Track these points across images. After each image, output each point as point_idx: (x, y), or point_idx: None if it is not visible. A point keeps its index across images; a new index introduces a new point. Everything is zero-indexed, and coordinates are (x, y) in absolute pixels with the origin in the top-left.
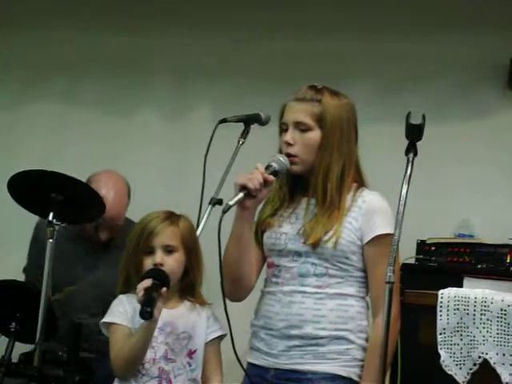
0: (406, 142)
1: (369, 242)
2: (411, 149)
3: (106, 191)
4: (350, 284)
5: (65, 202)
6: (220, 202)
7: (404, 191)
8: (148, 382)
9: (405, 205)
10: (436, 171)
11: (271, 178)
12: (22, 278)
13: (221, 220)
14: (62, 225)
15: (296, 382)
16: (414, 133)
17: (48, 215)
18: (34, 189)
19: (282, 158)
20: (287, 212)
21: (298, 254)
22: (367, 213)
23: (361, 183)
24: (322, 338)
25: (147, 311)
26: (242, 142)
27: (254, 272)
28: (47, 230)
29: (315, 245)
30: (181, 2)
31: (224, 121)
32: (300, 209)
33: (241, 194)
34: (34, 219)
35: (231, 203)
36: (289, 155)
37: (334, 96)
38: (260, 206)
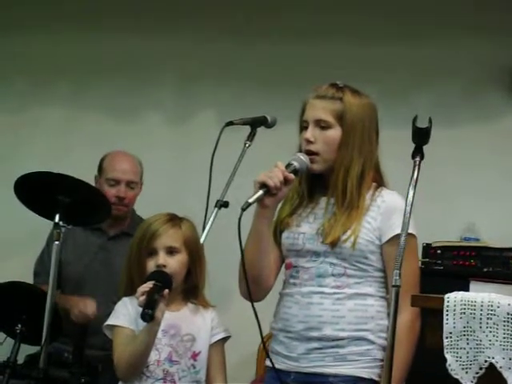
0: (412, 146)
1: (387, 241)
2: (418, 152)
3: (118, 155)
4: (369, 284)
5: (71, 204)
6: (226, 204)
7: (410, 195)
8: (153, 383)
9: (411, 208)
10: (442, 175)
11: (291, 176)
12: (23, 279)
13: (240, 218)
14: (69, 227)
15: None
16: (421, 136)
17: (54, 217)
18: (40, 191)
19: (302, 157)
20: (306, 212)
21: (317, 253)
22: (386, 212)
23: (380, 183)
24: (341, 339)
25: (148, 314)
26: (249, 145)
27: (272, 272)
28: (53, 231)
29: (333, 244)
30: (185, 5)
31: (230, 123)
32: (319, 208)
33: (260, 192)
34: (36, 222)
35: (250, 201)
36: (309, 153)
37: (356, 95)
38: (279, 206)
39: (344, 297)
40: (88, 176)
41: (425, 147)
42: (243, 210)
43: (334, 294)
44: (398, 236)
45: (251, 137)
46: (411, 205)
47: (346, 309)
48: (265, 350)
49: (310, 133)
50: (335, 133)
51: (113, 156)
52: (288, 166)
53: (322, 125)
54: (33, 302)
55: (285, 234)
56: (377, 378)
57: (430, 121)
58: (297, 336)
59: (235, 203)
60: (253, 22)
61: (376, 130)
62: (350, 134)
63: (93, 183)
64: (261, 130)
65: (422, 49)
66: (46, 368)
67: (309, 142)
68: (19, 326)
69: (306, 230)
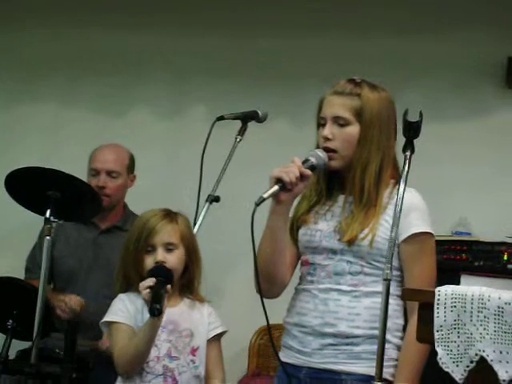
0: (403, 140)
1: (404, 240)
2: (408, 146)
3: (103, 147)
4: None
5: (62, 200)
6: (217, 199)
7: (401, 189)
8: (153, 379)
9: (402, 202)
10: (434, 169)
11: (308, 172)
12: (14, 275)
13: (253, 213)
14: (60, 222)
15: (329, 381)
16: (412, 130)
17: (45, 212)
18: (31, 186)
19: (320, 153)
20: (323, 209)
21: (333, 251)
22: (403, 210)
23: (398, 179)
24: (356, 336)
25: (157, 308)
26: (240, 140)
27: (288, 269)
28: (44, 227)
29: (351, 242)
30: (176, 0)
31: (221, 118)
32: (336, 206)
33: (276, 187)
34: (29, 218)
35: (265, 196)
36: (327, 150)
37: (374, 90)
38: (295, 202)
39: (360, 294)
40: (79, 171)
41: (416, 141)
42: (257, 205)
43: (351, 291)
44: (415, 235)
45: (242, 131)
46: (402, 199)
47: (362, 306)
48: (272, 345)
49: (328, 130)
50: (354, 130)
51: (99, 147)
52: (305, 161)
53: (341, 122)
54: (24, 297)
55: (301, 231)
56: (390, 378)
57: (421, 114)
58: (311, 331)
59: (226, 198)
60: (245, 17)
61: (394, 124)
62: (368, 131)
63: (84, 178)
64: (252, 125)
65: (413, 42)
66: (37, 363)
67: (327, 139)
68: (10, 321)
69: (323, 227)
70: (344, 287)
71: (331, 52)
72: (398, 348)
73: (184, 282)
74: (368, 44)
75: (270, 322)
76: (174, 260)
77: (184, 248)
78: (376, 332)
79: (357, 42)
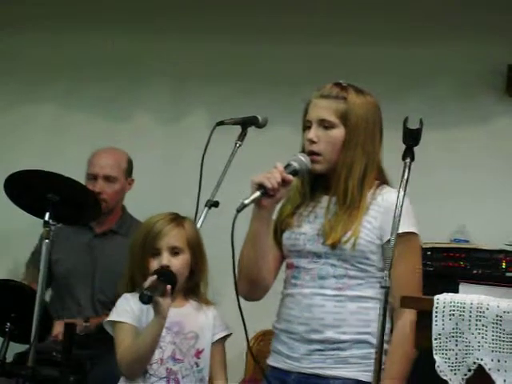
0: (403, 148)
1: (388, 241)
2: (408, 154)
3: (101, 151)
4: (370, 285)
5: (61, 203)
6: (216, 204)
7: (401, 196)
8: (156, 382)
9: (401, 209)
10: (433, 176)
11: (290, 177)
12: (13, 277)
13: (234, 219)
14: (58, 225)
15: None
16: (412, 138)
17: (44, 215)
18: (30, 189)
19: (302, 158)
20: (307, 211)
21: (318, 255)
22: (386, 211)
23: (382, 181)
24: (343, 342)
25: (147, 295)
26: (239, 145)
27: (271, 272)
28: (43, 230)
29: (334, 245)
30: (179, 5)
31: (221, 123)
32: (320, 208)
33: (257, 193)
34: (30, 220)
35: (246, 202)
36: (312, 153)
37: (360, 94)
38: (280, 205)
39: (345, 299)
40: (79, 175)
41: (416, 148)
42: (238, 211)
43: (336, 296)
44: (399, 235)
45: (242, 137)
46: (401, 205)
47: (347, 311)
48: (250, 352)
49: (313, 133)
50: (339, 133)
51: (96, 151)
52: (287, 166)
53: (326, 125)
54: (22, 300)
55: (286, 235)
56: None
57: (421, 122)
58: (299, 337)
59: (225, 203)
60: (246, 23)
61: (380, 129)
62: (353, 134)
63: (84, 182)
64: (252, 130)
65: (413, 50)
66: (34, 366)
67: (312, 142)
68: (8, 324)
69: (306, 230)
70: (328, 291)
71: (332, 59)
72: (385, 352)
73: (189, 285)
74: (369, 52)
75: (266, 328)
76: (178, 264)
77: (190, 252)
78: (362, 337)
79: (357, 50)
